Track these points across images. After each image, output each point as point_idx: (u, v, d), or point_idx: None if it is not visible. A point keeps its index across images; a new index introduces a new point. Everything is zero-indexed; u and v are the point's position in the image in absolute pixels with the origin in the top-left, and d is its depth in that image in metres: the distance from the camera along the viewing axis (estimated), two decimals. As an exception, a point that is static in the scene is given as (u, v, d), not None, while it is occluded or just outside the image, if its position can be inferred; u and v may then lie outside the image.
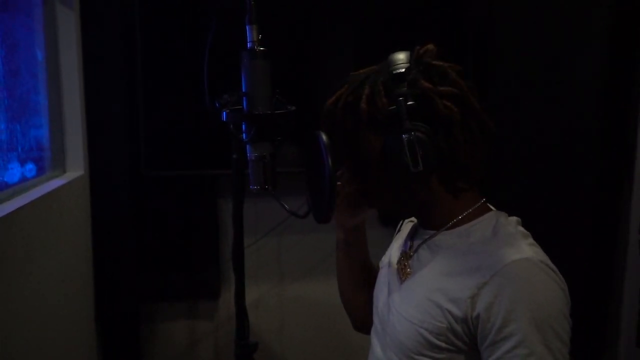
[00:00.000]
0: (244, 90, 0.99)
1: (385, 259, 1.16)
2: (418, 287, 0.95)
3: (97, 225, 1.78)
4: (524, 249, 0.87)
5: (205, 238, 2.04)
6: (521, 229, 0.96)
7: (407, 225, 1.16)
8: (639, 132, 1.80)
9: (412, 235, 1.05)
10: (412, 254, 1.01)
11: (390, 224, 1.13)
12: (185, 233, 2.02)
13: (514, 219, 0.98)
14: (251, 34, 0.98)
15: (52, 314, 1.37)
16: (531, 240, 0.92)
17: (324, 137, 0.93)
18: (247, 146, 1.01)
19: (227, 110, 1.00)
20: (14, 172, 1.35)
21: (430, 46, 0.95)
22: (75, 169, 1.71)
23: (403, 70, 0.91)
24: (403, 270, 1.01)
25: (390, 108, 0.89)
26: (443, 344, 0.88)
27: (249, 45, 0.98)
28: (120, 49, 1.78)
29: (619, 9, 1.77)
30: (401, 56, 0.93)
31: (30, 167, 1.46)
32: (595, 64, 1.82)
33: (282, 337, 2.18)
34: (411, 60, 0.92)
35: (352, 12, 1.94)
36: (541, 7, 1.87)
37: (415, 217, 1.07)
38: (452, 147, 0.90)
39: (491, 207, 1.00)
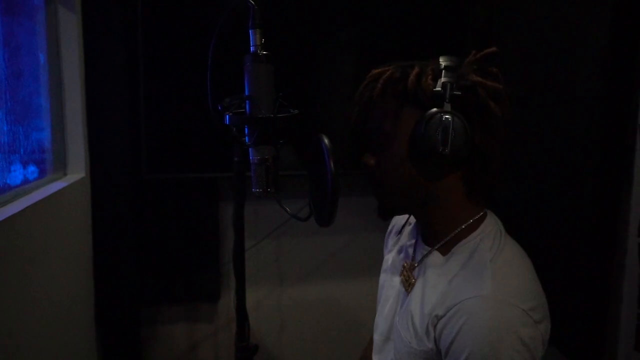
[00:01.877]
0: (246, 93, 0.99)
1: (387, 249, 1.16)
2: (408, 310, 0.97)
3: (97, 227, 1.78)
4: (484, 285, 0.86)
5: (206, 241, 2.04)
6: (502, 245, 0.93)
7: (400, 225, 1.16)
8: (638, 134, 1.80)
9: (413, 244, 1.06)
10: (416, 265, 1.01)
11: (388, 218, 1.11)
12: (185, 236, 2.02)
13: (497, 231, 0.95)
14: (254, 38, 0.99)
15: (53, 316, 1.37)
16: (505, 260, 0.90)
17: (326, 140, 0.94)
18: (250, 149, 1.01)
19: (230, 114, 1.00)
20: (16, 174, 1.35)
21: (493, 49, 0.96)
22: (77, 172, 1.71)
23: (454, 64, 0.91)
24: (407, 283, 1.01)
25: (435, 90, 0.88)
26: None
27: (252, 49, 0.99)
28: (122, 52, 1.78)
29: (619, 13, 1.78)
30: (452, 56, 0.93)
31: (32, 169, 1.46)
32: (595, 67, 1.82)
33: (281, 339, 2.19)
34: (464, 60, 0.93)
35: (354, 16, 1.96)
36: (541, 11, 1.88)
37: (416, 216, 1.04)
38: (486, 144, 0.89)
39: (488, 215, 0.98)
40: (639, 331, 1.73)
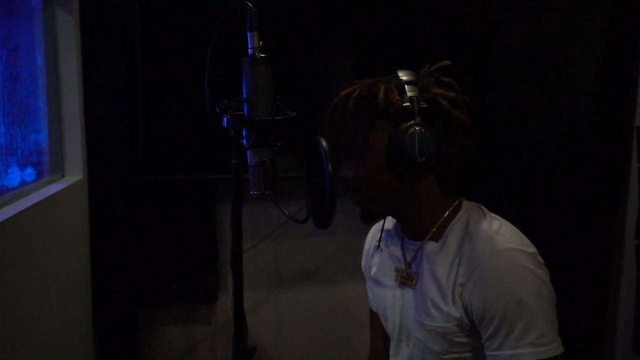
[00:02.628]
0: (244, 96, 0.99)
1: (371, 269, 1.21)
2: (423, 295, 1.03)
3: (95, 229, 1.78)
4: (492, 242, 0.97)
5: (203, 243, 2.04)
6: (488, 215, 1.04)
7: (374, 244, 1.22)
8: (635, 136, 1.81)
9: (399, 244, 1.12)
10: (410, 261, 1.09)
11: (371, 222, 1.18)
12: (183, 238, 2.02)
13: (477, 207, 1.07)
14: (252, 41, 0.99)
15: (50, 318, 1.36)
16: (498, 222, 1.01)
17: (324, 142, 0.94)
18: (248, 152, 1.01)
19: (228, 116, 1.00)
20: (14, 176, 1.35)
21: (446, 62, 1.04)
22: (74, 174, 1.71)
23: (414, 78, 1.00)
24: (409, 280, 1.08)
25: (404, 105, 0.97)
26: (462, 339, 0.99)
27: (250, 51, 0.99)
28: (120, 54, 1.79)
29: (616, 12, 1.78)
30: (408, 70, 1.02)
31: (29, 171, 1.46)
32: (593, 67, 1.83)
33: (279, 341, 2.18)
34: (420, 73, 1.03)
35: (351, 19, 1.96)
36: (539, 11, 1.89)
37: (398, 218, 1.12)
38: (453, 147, 1.00)
39: (464, 201, 1.07)
40: (636, 333, 1.74)
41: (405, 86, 0.98)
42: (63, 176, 1.70)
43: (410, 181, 1.01)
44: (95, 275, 1.80)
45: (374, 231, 1.27)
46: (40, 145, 1.58)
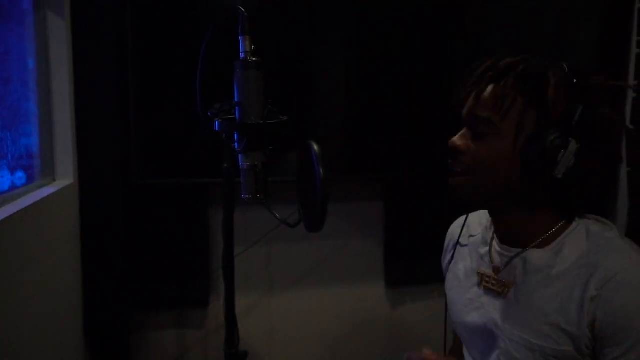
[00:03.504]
0: (236, 100, 1.00)
1: (450, 264, 1.13)
2: (530, 312, 0.93)
3: (86, 234, 1.77)
4: (630, 255, 0.88)
5: (195, 247, 2.04)
6: (611, 225, 0.95)
7: (455, 237, 1.13)
8: (625, 138, 1.82)
9: (487, 246, 1.03)
10: (502, 268, 0.99)
11: (459, 207, 1.04)
12: (175, 242, 2.01)
13: (594, 218, 0.96)
14: (244, 45, 0.99)
15: (40, 322, 1.36)
16: (630, 242, 0.92)
17: (315, 147, 0.95)
18: (239, 155, 1.02)
19: (220, 120, 1.01)
20: (4, 180, 1.35)
21: (629, 84, 0.97)
22: (65, 178, 1.70)
23: (586, 85, 0.89)
24: (499, 288, 0.98)
25: (566, 111, 0.87)
26: None
27: (241, 55, 0.99)
28: (112, 57, 1.78)
29: (607, 20, 1.80)
30: (580, 70, 0.90)
31: (20, 175, 1.45)
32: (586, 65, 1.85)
33: (271, 345, 2.18)
34: (592, 81, 0.91)
35: (344, 22, 1.96)
36: (534, 9, 1.90)
37: (498, 217, 1.01)
38: (593, 169, 0.90)
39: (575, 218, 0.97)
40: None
41: (574, 92, 0.87)
42: (54, 180, 1.69)
43: (532, 187, 0.91)
44: (86, 280, 1.79)
45: (456, 225, 1.17)
46: (31, 149, 1.57)
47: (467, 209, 1.10)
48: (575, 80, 0.88)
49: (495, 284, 0.98)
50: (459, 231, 1.11)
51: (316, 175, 0.92)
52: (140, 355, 2.06)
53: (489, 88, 0.92)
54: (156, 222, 1.98)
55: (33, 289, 1.30)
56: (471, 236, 1.09)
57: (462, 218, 1.12)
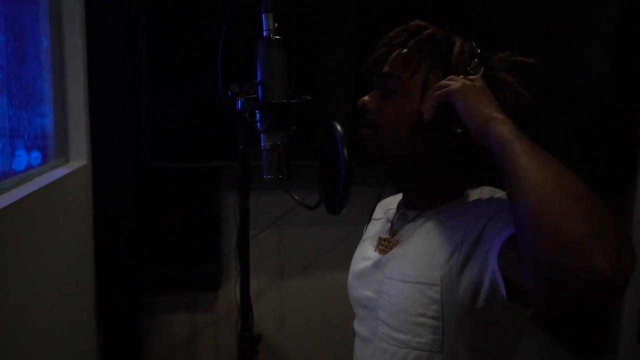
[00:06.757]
0: (259, 79, 0.98)
1: (361, 245, 1.11)
2: (412, 248, 0.92)
3: (98, 216, 1.77)
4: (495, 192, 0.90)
5: (207, 230, 2.03)
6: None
7: (381, 211, 1.12)
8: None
9: (391, 219, 1.03)
10: (398, 230, 0.98)
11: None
12: (186, 225, 2.01)
13: (492, 188, 0.95)
14: (267, 23, 0.97)
15: (53, 304, 1.35)
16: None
17: (339, 126, 0.93)
18: (262, 135, 1.00)
19: (242, 99, 0.99)
20: (21, 159, 1.34)
21: (532, 61, 0.99)
22: (79, 159, 1.70)
23: (489, 54, 0.93)
24: (387, 245, 0.98)
25: (469, 69, 0.90)
26: (437, 295, 0.85)
27: (265, 33, 0.97)
28: (125, 38, 1.77)
29: (625, 12, 1.77)
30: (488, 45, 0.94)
31: (35, 154, 1.45)
32: (601, 65, 1.82)
33: (282, 329, 2.18)
34: (497, 54, 0.95)
35: (353, 6, 1.94)
36: (546, 9, 1.87)
37: (403, 178, 1.01)
38: None
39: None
40: (641, 324, 1.74)
41: (478, 57, 0.91)
42: (67, 161, 1.69)
43: (436, 146, 0.91)
44: (99, 262, 1.79)
45: (380, 204, 1.16)
46: (45, 129, 1.56)
47: (374, 164, 1.03)
48: (479, 51, 0.92)
49: (387, 244, 0.99)
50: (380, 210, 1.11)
51: (340, 157, 0.90)
52: (151, 337, 2.07)
53: (400, 50, 0.95)
54: (168, 205, 1.98)
55: (47, 269, 1.30)
56: (390, 209, 1.08)
57: (387, 201, 1.13)
